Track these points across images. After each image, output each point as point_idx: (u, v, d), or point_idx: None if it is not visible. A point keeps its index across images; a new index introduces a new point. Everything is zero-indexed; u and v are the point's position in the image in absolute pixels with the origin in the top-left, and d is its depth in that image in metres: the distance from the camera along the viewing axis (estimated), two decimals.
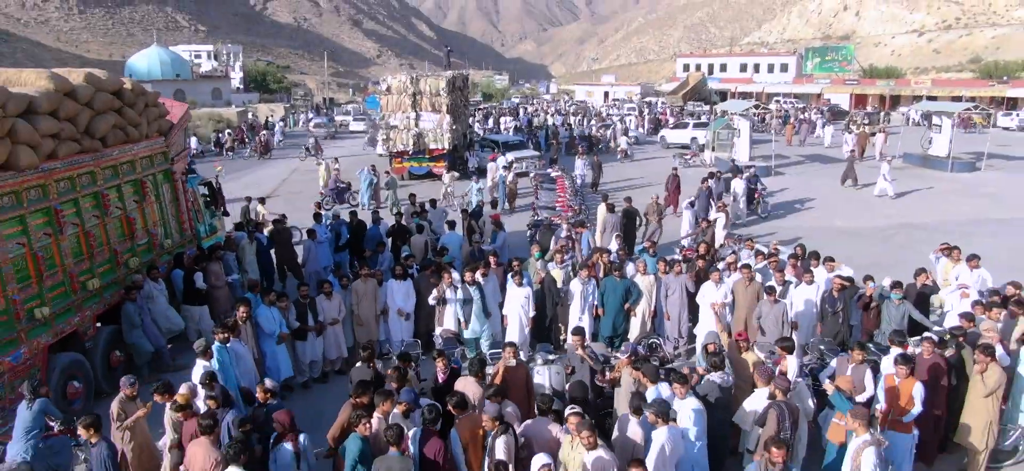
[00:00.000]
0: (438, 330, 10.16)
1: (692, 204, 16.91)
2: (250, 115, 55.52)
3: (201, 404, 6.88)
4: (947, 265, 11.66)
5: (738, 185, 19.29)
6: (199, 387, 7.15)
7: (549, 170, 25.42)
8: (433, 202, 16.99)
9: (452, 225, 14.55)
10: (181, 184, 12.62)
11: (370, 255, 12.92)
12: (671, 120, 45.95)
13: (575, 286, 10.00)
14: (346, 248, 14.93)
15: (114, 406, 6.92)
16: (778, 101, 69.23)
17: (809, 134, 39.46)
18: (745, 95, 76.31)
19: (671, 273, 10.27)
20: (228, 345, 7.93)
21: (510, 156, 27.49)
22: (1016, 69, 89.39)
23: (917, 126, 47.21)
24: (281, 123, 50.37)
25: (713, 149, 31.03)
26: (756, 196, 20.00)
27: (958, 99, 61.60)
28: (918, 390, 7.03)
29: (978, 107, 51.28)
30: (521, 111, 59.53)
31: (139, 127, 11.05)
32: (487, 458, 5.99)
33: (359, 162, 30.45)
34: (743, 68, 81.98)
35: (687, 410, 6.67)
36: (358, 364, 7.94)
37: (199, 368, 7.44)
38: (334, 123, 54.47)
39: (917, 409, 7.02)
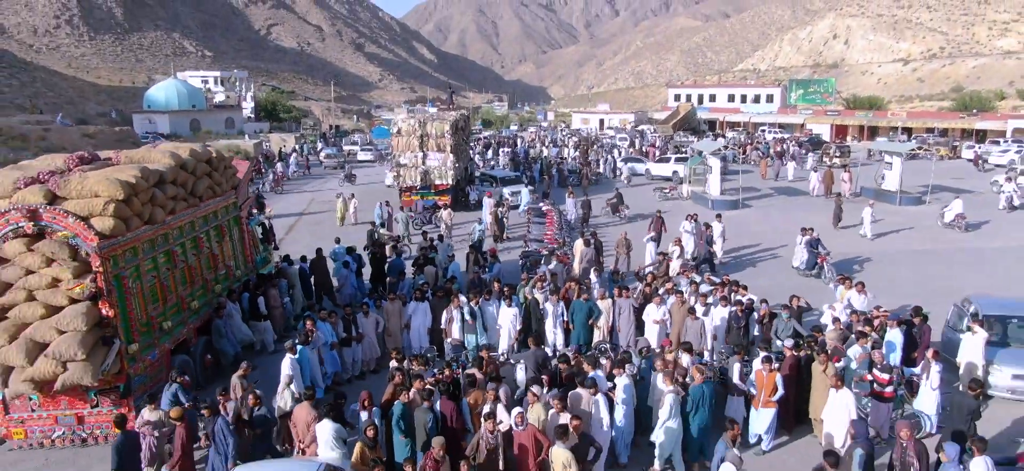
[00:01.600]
0: (448, 340, 13.54)
1: (655, 239, 20.32)
2: (264, 145, 59.00)
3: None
4: (843, 291, 15.06)
5: (717, 227, 22.02)
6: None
7: (541, 204, 28.80)
8: (441, 238, 20.49)
9: (452, 258, 18.00)
10: (246, 225, 16.08)
11: (393, 282, 16.36)
12: (656, 153, 49.43)
13: (548, 307, 13.43)
14: (359, 273, 18.38)
15: (236, 379, 10.42)
16: (762, 131, 72.95)
17: (782, 167, 42.57)
18: (733, 125, 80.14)
19: (622, 297, 13.68)
20: (304, 347, 11.38)
21: (507, 191, 31.10)
22: (993, 99, 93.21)
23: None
24: (295, 154, 53.78)
25: (689, 183, 34.55)
26: (820, 261, 19.72)
27: (931, 130, 65.41)
28: (779, 380, 10.42)
29: (927, 144, 54.95)
30: (519, 141, 63.18)
31: (220, 185, 14.53)
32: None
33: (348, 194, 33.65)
34: (731, 98, 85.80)
35: (621, 385, 10.09)
36: (393, 362, 11.32)
37: (288, 360, 10.84)
38: (342, 153, 57.90)
39: (780, 393, 10.40)
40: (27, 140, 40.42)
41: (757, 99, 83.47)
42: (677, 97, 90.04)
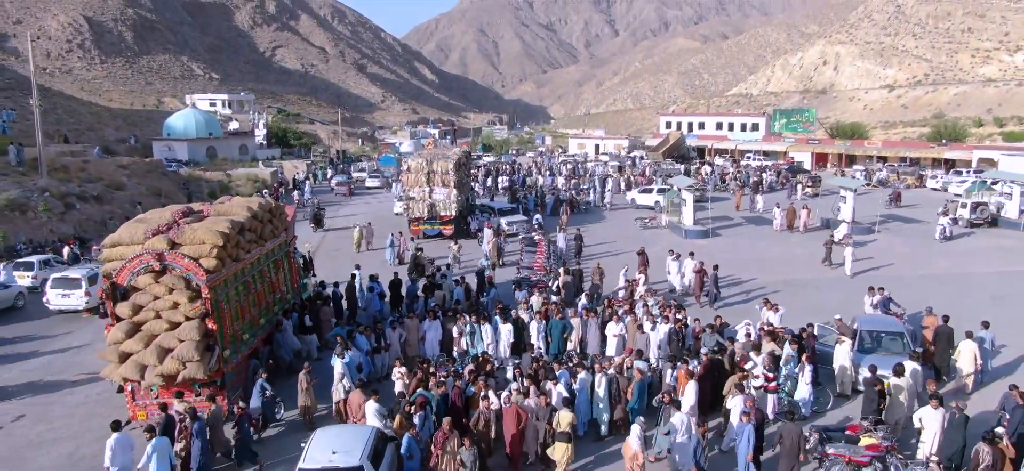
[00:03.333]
0: (456, 349, 17.55)
1: (625, 270, 24.35)
2: (279, 173, 63.15)
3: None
4: (766, 311, 19.07)
5: (690, 263, 25.39)
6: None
7: (533, 234, 32.82)
8: (448, 266, 24.60)
9: (457, 283, 22.12)
10: (292, 258, 20.14)
11: (409, 303, 20.43)
12: (644, 181, 53.61)
13: (533, 324, 17.47)
14: (382, 296, 22.41)
15: (302, 376, 14.43)
16: (748, 158, 77.13)
17: (755, 198, 46.12)
18: (721, 152, 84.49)
19: (590, 317, 17.73)
20: (350, 352, 15.45)
21: (503, 221, 35.22)
22: (971, 126, 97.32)
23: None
24: (310, 181, 57.89)
25: (666, 213, 38.69)
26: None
27: (903, 159, 69.61)
28: (690, 375, 14.40)
29: (896, 172, 59.52)
30: (517, 168, 67.45)
31: (277, 228, 18.62)
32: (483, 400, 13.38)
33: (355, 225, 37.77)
34: (719, 126, 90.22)
35: (578, 379, 14.11)
36: (396, 369, 15.35)
37: (339, 363, 14.83)
38: (352, 180, 62.05)
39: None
40: (69, 171, 44.41)
41: (743, 127, 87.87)
42: (668, 125, 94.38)
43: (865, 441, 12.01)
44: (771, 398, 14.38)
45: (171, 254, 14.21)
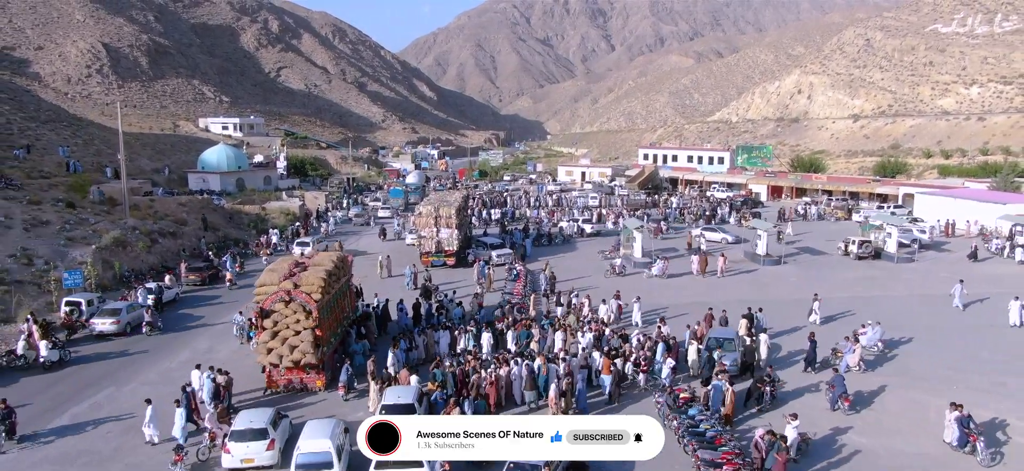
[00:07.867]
0: (458, 348, 27.78)
1: (576, 294, 34.61)
2: (304, 205, 73.44)
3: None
4: (660, 328, 29.28)
5: (636, 306, 35.92)
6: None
7: (516, 266, 43.08)
8: (454, 291, 34.98)
9: (457, 305, 32.46)
10: (352, 288, 30.50)
11: (427, 319, 30.84)
12: (613, 215, 63.99)
13: (509, 334, 27.80)
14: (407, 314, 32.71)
15: (369, 362, 24.75)
16: (714, 189, 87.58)
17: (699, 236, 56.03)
18: (690, 183, 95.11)
19: (545, 331, 28.05)
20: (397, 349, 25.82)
21: (494, 254, 45.60)
22: (921, 157, 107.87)
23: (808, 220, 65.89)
24: (331, 211, 68.05)
25: (622, 248, 49.03)
26: (972, 439, 19.20)
27: (843, 194, 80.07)
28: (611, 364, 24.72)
29: (830, 206, 70.04)
30: (508, 199, 77.78)
31: (345, 269, 28.96)
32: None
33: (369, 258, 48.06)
34: (690, 159, 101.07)
35: (534, 365, 24.44)
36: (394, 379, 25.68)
37: (391, 355, 25.13)
38: (366, 211, 72.33)
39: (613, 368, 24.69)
40: (140, 209, 54.59)
41: (711, 161, 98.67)
42: (646, 156, 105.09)
43: (682, 395, 22.32)
44: (642, 376, 24.66)
45: (295, 291, 24.49)
